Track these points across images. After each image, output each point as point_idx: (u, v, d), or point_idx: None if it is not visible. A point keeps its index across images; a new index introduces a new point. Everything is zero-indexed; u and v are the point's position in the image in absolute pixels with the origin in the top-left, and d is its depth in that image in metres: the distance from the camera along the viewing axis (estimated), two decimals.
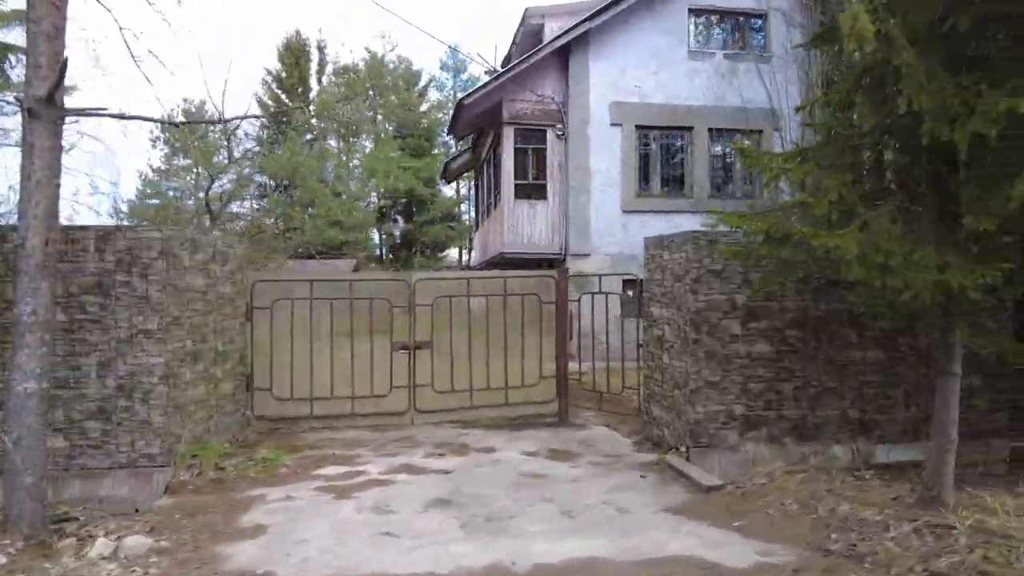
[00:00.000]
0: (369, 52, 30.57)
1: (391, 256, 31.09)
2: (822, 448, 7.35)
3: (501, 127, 14.30)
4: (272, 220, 29.83)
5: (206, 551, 4.70)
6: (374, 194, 31.00)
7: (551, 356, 9.39)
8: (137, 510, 5.72)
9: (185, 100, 28.38)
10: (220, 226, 14.76)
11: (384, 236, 31.27)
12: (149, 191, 26.38)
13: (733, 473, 6.80)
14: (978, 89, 3.95)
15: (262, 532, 5.10)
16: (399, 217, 32.03)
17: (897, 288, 4.49)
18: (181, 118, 26.98)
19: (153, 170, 25.17)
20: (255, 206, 28.82)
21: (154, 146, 25.87)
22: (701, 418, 7.12)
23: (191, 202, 25.53)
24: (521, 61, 13.89)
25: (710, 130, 14.60)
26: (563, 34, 13.89)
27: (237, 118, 12.68)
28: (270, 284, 8.75)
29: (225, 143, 26.36)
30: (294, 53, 29.69)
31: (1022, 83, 3.94)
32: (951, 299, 4.73)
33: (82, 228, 6.48)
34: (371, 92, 29.68)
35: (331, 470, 6.86)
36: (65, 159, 5.49)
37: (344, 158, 29.85)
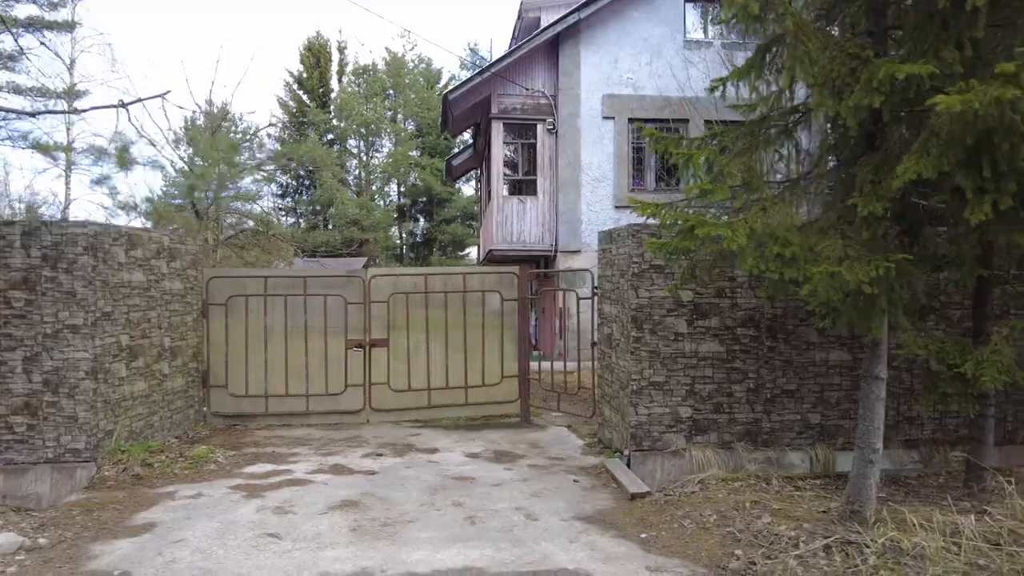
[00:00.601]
0: (389, 52, 30.67)
1: (412, 255, 31.18)
2: (777, 455, 6.90)
3: (491, 122, 14.06)
4: (294, 220, 30.34)
5: (79, 550, 4.62)
6: (394, 193, 31.13)
7: (514, 355, 9.12)
8: (41, 506, 5.70)
9: (208, 102, 28.94)
10: (207, 225, 14.92)
11: (404, 235, 31.36)
12: (175, 190, 27.05)
13: (675, 479, 6.43)
14: (866, 56, 3.55)
15: (148, 531, 5.00)
16: (420, 216, 32.09)
17: (797, 282, 4.10)
18: (202, 119, 27.61)
19: (176, 169, 25.75)
20: (277, 205, 29.28)
21: (176, 146, 26.37)
22: (644, 420, 6.77)
23: (209, 201, 26.05)
24: (509, 54, 13.63)
25: (707, 122, 14.03)
26: (551, 25, 13.57)
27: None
28: (225, 280, 8.73)
29: (246, 142, 26.87)
30: (315, 54, 30.03)
31: (922, 51, 3.52)
32: (856, 295, 4.29)
33: (8, 223, 6.53)
34: (391, 91, 29.77)
35: (259, 468, 6.76)
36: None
37: (364, 157, 30.05)
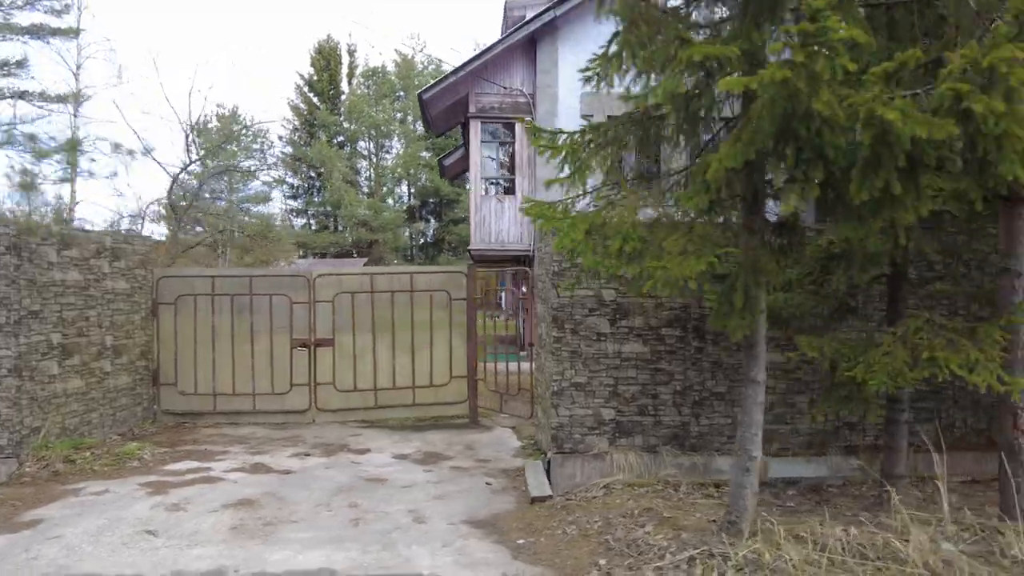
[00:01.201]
0: (399, 54, 30.88)
1: (422, 255, 31.31)
2: (705, 460, 6.68)
3: (468, 121, 13.99)
4: (304, 221, 30.73)
5: None
6: (405, 194, 31.31)
7: (463, 355, 9.03)
8: None
9: (219, 105, 29.59)
10: (186, 226, 15.19)
11: (414, 235, 31.49)
12: (186, 194, 27.68)
13: (594, 482, 6.27)
14: (687, 38, 3.38)
15: (31, 527, 5.06)
16: (431, 217, 32.21)
17: (643, 278, 3.93)
18: (215, 123, 28.19)
19: (189, 173, 26.37)
20: (288, 207, 29.70)
21: (189, 150, 27.02)
22: (565, 422, 6.61)
23: (223, 202, 26.56)
24: (485, 52, 13.55)
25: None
26: (528, 22, 13.44)
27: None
28: (175, 280, 8.83)
29: (256, 146, 27.35)
30: (325, 57, 30.39)
31: (735, 35, 3.34)
32: (727, 292, 4.10)
33: None
34: (400, 93, 29.95)
35: (181, 466, 6.81)
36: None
37: (374, 159, 30.30)
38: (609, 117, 4.85)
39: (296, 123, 30.11)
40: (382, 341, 8.93)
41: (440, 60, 31.85)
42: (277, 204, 29.98)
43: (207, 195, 26.96)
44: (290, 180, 29.83)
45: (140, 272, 8.53)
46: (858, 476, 6.60)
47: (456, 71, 13.47)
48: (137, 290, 8.45)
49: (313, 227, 29.83)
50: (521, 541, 4.85)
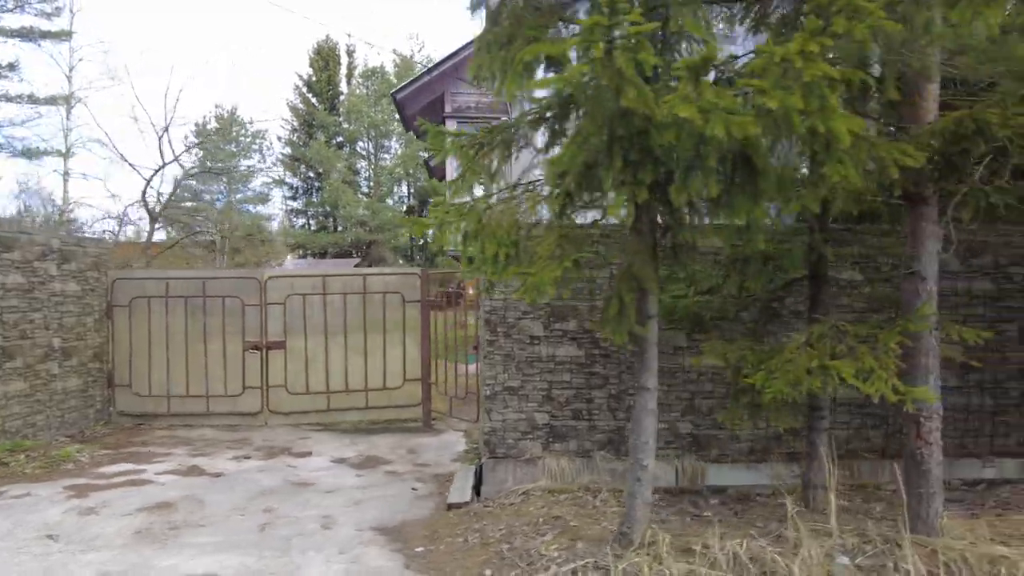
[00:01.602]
0: (397, 54, 30.88)
1: (420, 255, 31.31)
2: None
3: (444, 121, 13.92)
4: (304, 221, 30.85)
5: None
6: (404, 194, 31.33)
7: (417, 358, 8.96)
8: None
9: (217, 106, 29.79)
10: (162, 226, 15.28)
11: (414, 235, 31.50)
12: (186, 195, 27.94)
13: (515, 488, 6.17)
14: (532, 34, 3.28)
15: None
16: None
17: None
18: (214, 124, 28.41)
19: (189, 174, 26.60)
20: (288, 207, 29.87)
21: (188, 150, 27.26)
22: (498, 427, 6.51)
23: (219, 204, 26.77)
24: (459, 51, 13.47)
25: None
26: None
27: None
28: (129, 282, 8.86)
29: (256, 147, 27.56)
30: (324, 57, 30.49)
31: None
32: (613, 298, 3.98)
33: None
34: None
35: (115, 468, 6.81)
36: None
37: (373, 159, 30.35)
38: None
39: (295, 123, 30.23)
40: (334, 343, 8.89)
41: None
42: (277, 204, 30.18)
43: (205, 197, 27.26)
44: (289, 180, 29.97)
45: (93, 274, 8.56)
46: (798, 484, 6.44)
47: (430, 70, 13.41)
48: (89, 292, 8.49)
49: (312, 227, 29.97)
50: (420, 549, 4.77)
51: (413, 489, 6.28)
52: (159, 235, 21.74)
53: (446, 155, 4.40)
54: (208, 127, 27.50)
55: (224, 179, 26.47)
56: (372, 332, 8.91)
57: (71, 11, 19.03)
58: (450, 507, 5.62)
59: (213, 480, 6.46)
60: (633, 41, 2.41)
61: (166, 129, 14.37)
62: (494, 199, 4.12)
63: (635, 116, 2.58)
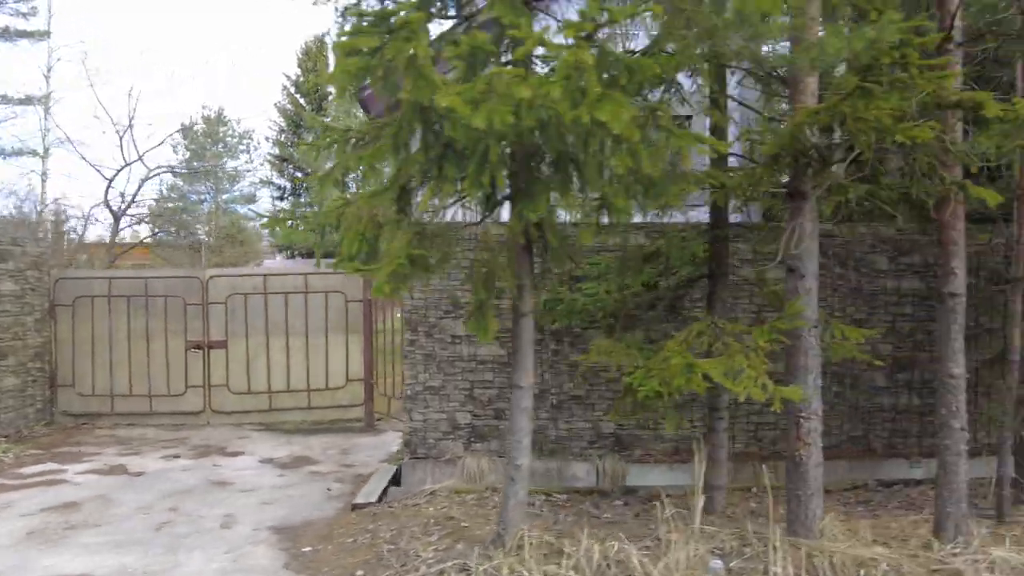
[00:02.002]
0: None
1: None
2: (560, 466, 6.50)
3: None
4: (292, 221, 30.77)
5: None
6: None
7: (360, 358, 8.93)
8: None
9: (204, 107, 29.78)
10: (129, 226, 15.34)
11: None
12: (173, 194, 28.00)
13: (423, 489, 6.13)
14: None
15: None
16: None
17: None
18: (201, 125, 28.46)
19: (174, 174, 26.65)
20: (276, 208, 29.90)
21: (175, 151, 27.26)
22: (419, 427, 6.47)
23: (206, 206, 26.81)
24: None
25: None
26: (473, 15, 13.26)
27: None
28: (72, 282, 8.87)
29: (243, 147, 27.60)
30: (312, 58, 30.50)
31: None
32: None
33: None
34: None
35: (38, 468, 6.81)
36: None
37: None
38: None
39: (283, 124, 30.24)
40: (276, 343, 8.87)
41: None
42: (265, 204, 30.16)
43: (192, 197, 27.31)
44: (277, 181, 29.98)
45: (33, 274, 8.57)
46: (731, 483, 6.37)
47: None
48: (29, 292, 8.49)
49: (301, 227, 29.86)
50: (307, 549, 4.73)
51: (328, 489, 6.25)
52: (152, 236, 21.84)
53: (315, 151, 4.36)
54: (195, 127, 27.60)
55: (211, 179, 26.47)
56: (314, 332, 8.89)
57: (48, 11, 19.13)
58: (354, 507, 5.58)
59: (132, 479, 6.45)
60: (406, 32, 2.37)
61: (128, 128, 14.41)
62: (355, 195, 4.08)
63: (433, 109, 2.54)
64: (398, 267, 3.23)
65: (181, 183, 28.58)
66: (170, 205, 23.95)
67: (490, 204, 3.09)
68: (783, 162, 3.95)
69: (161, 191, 27.06)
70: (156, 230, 21.11)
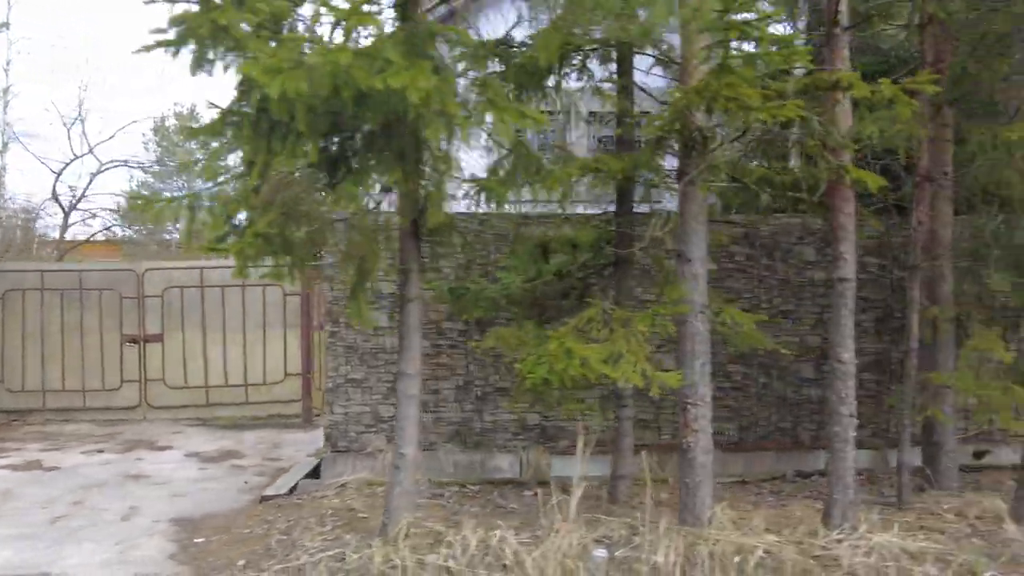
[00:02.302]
0: None
1: None
2: (483, 458, 6.44)
3: None
4: None
5: None
6: None
7: (298, 352, 8.82)
8: None
9: (176, 103, 29.43)
10: (82, 220, 15.16)
11: None
12: (145, 191, 27.68)
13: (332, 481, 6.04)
14: None
15: None
16: None
17: None
18: (173, 121, 28.16)
19: (145, 170, 26.40)
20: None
21: (146, 148, 26.97)
22: (340, 420, 6.38)
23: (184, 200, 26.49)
24: None
25: (592, 114, 13.42)
26: (429, 9, 13.18)
27: None
28: (1, 275, 8.71)
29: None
30: None
31: None
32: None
33: None
34: None
35: None
36: None
37: None
38: None
39: None
40: (213, 337, 8.75)
41: None
42: None
43: (165, 194, 27.01)
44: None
45: None
46: (655, 475, 6.32)
47: None
48: None
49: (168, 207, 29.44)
50: (200, 540, 4.65)
51: (245, 482, 6.15)
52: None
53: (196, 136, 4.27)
54: (166, 124, 27.35)
55: (183, 176, 26.19)
56: (252, 326, 8.78)
57: (8, 3, 18.89)
58: (263, 500, 5.49)
59: (44, 474, 6.33)
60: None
61: (76, 121, 14.21)
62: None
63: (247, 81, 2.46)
64: (246, 245, 3.14)
65: (152, 180, 28.33)
66: (140, 201, 23.70)
67: (331, 181, 3.02)
68: (664, 145, 3.91)
69: (131, 187, 26.81)
70: (125, 226, 20.87)
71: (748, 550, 3.77)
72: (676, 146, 4.05)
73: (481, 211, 6.38)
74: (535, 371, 4.12)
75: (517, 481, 6.03)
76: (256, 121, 2.60)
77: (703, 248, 4.14)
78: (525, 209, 6.62)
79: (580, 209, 6.37)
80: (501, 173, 3.99)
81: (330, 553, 3.99)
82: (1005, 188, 4.21)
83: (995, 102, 4.13)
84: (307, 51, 2.21)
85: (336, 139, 2.81)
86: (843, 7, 4.08)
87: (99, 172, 14.79)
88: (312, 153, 2.52)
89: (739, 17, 3.02)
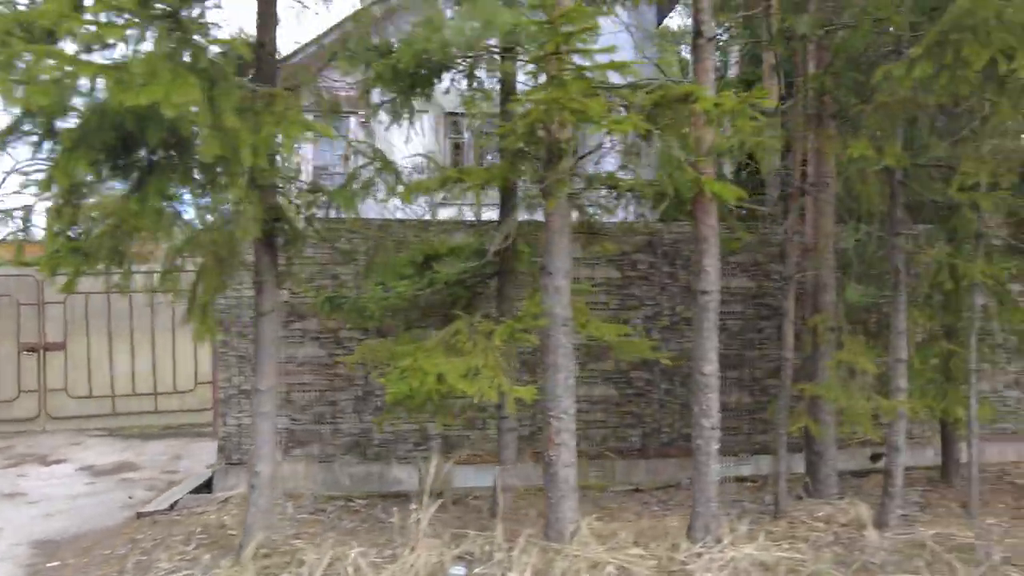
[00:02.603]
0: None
1: None
2: (381, 469, 6.34)
3: None
4: None
5: None
6: None
7: (210, 360, 8.58)
8: None
9: None
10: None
11: None
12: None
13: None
14: None
15: None
16: None
17: None
18: None
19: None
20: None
21: None
22: (233, 432, 6.21)
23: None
24: (308, 44, 13.09)
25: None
26: (361, 9, 13.00)
27: None
28: None
29: None
30: None
31: None
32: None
33: None
34: None
35: None
36: None
37: None
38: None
39: None
40: (120, 345, 8.46)
41: None
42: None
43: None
44: None
45: None
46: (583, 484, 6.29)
47: (287, 58, 12.98)
48: None
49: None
50: (53, 565, 4.44)
51: (129, 498, 5.93)
52: None
53: None
54: None
55: None
56: (161, 332, 8.51)
57: None
58: (139, 516, 5.29)
59: None
60: None
61: None
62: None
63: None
64: (53, 254, 2.99)
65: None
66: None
67: (136, 195, 2.88)
68: (525, 156, 3.85)
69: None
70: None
71: (601, 566, 3.74)
72: (539, 157, 4.01)
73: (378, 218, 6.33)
74: (398, 386, 4.03)
75: (416, 493, 5.92)
76: (43, 135, 2.46)
77: (566, 261, 4.09)
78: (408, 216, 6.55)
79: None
80: (355, 185, 3.89)
81: (180, 575, 3.84)
82: (865, 202, 4.25)
83: (848, 116, 4.16)
84: (50, 63, 2.08)
85: (137, 154, 2.68)
86: (707, 17, 4.08)
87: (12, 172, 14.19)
88: (82, 165, 2.38)
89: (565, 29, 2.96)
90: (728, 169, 7.28)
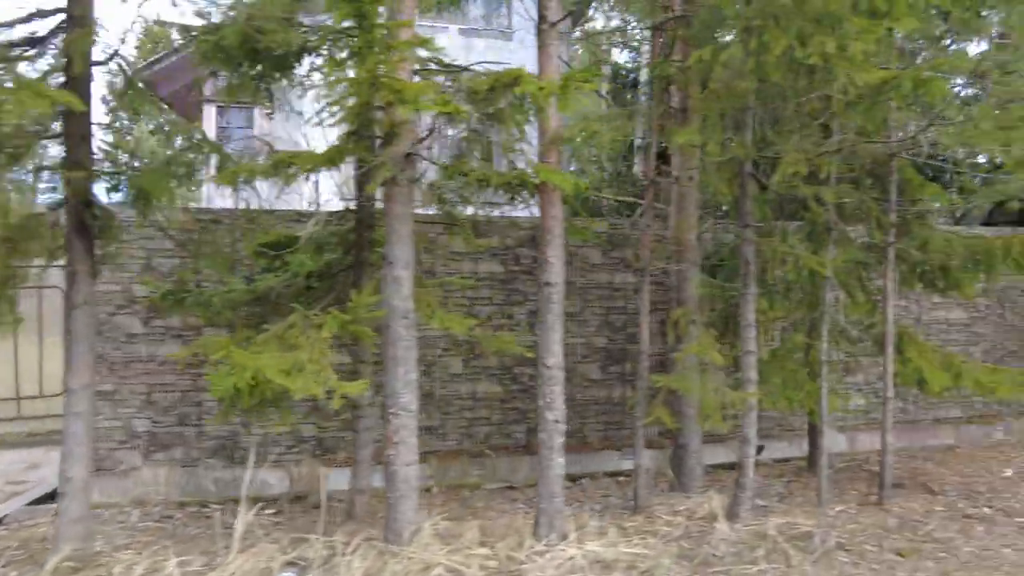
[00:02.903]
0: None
1: None
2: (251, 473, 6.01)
3: (202, 106, 12.97)
4: None
5: None
6: None
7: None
8: None
9: None
10: None
11: None
12: None
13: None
14: None
15: None
16: None
17: None
18: None
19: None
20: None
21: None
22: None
23: None
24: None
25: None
26: None
27: None
28: None
29: None
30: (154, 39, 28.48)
31: None
32: None
33: None
34: None
35: None
36: None
37: None
38: None
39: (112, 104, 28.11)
40: None
41: None
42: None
43: None
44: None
45: None
46: (439, 482, 6.14)
47: (177, 50, 12.41)
48: None
49: None
50: None
51: None
52: None
53: None
54: None
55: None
56: (26, 332, 7.91)
57: None
58: None
59: None
60: None
61: None
62: None
63: None
64: None
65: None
66: None
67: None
68: (355, 139, 3.68)
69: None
70: None
71: (431, 567, 3.60)
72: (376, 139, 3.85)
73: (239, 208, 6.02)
74: (223, 382, 3.78)
75: (277, 497, 5.67)
76: None
77: (408, 251, 3.93)
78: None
79: None
80: (175, 167, 3.64)
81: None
82: (716, 195, 4.26)
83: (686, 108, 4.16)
84: None
85: None
86: (551, 3, 4.00)
87: None
88: None
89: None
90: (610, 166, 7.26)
